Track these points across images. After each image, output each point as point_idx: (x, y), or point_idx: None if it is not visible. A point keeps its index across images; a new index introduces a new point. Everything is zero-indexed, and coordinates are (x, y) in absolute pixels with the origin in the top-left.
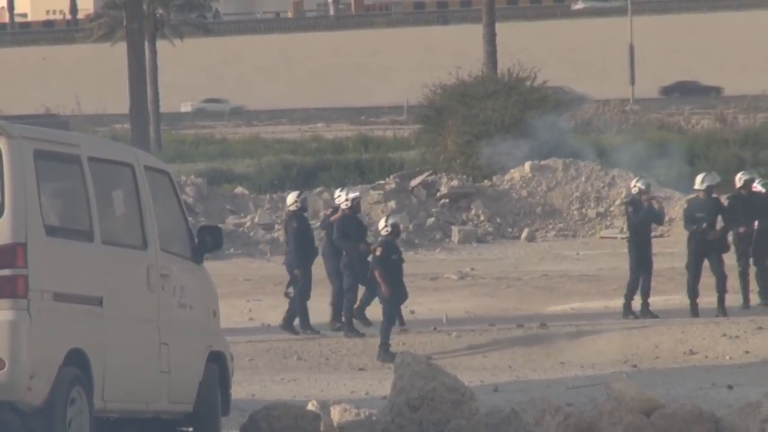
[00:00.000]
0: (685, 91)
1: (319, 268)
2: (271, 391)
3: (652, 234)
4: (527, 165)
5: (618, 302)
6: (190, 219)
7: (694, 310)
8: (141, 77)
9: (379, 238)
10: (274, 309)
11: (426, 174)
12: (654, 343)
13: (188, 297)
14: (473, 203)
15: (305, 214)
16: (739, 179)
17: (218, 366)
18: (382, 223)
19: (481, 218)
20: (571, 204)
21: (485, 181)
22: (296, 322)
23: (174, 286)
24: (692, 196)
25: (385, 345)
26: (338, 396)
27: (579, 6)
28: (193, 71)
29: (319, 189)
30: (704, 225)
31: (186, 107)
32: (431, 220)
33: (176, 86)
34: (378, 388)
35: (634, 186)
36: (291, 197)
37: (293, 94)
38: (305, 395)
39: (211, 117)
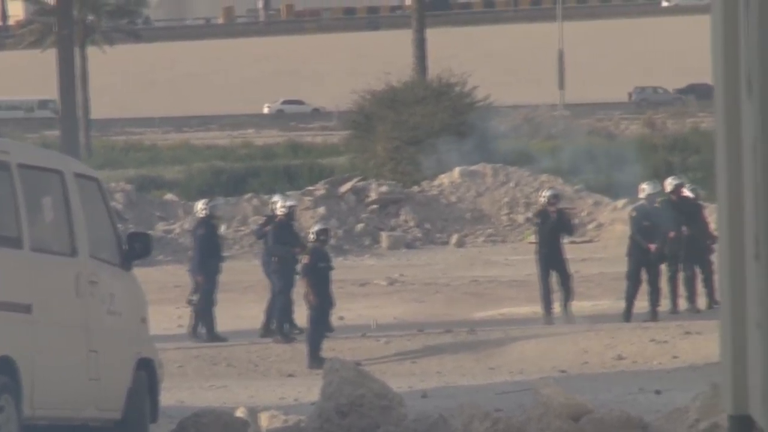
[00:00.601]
0: (700, 93)
1: (246, 274)
2: (200, 398)
3: (583, 239)
4: (456, 170)
5: None
6: (119, 225)
7: (627, 315)
8: (71, 83)
9: (308, 245)
10: None
11: (355, 180)
12: (582, 349)
13: (117, 304)
14: (402, 209)
15: (214, 222)
16: (669, 184)
17: (147, 373)
18: (313, 229)
19: (411, 224)
20: (500, 209)
21: (414, 187)
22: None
23: (103, 293)
24: (638, 204)
25: (313, 352)
26: (267, 402)
27: (666, 4)
28: (123, 78)
29: (248, 195)
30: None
31: (265, 109)
32: (360, 225)
33: (107, 93)
34: (307, 394)
35: (542, 197)
36: (200, 204)
37: (224, 99)
38: (234, 402)
39: (290, 119)
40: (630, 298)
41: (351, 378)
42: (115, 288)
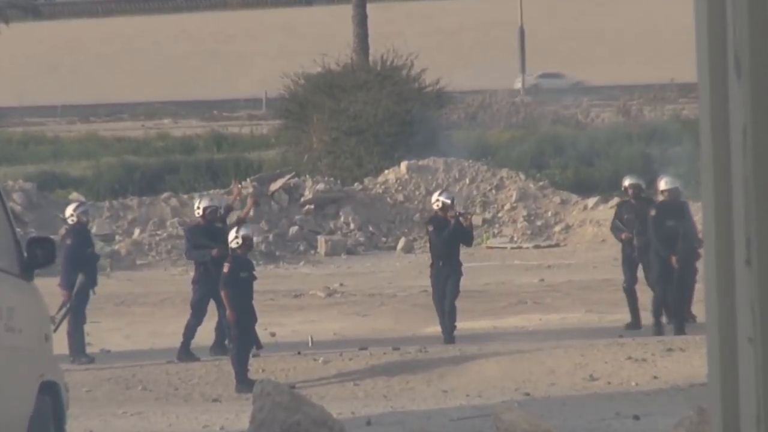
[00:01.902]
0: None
1: (163, 284)
2: (112, 427)
3: (549, 243)
4: (403, 165)
5: (508, 321)
6: (18, 230)
7: (658, 328)
8: None
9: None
10: (115, 331)
11: (288, 176)
12: (549, 368)
13: (16, 319)
14: (342, 209)
15: (89, 228)
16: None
17: (51, 398)
18: (231, 235)
19: (352, 226)
20: None
21: (356, 184)
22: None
23: (0, 306)
24: (659, 201)
25: (240, 374)
26: (189, 431)
27: None
28: (21, 60)
29: (166, 194)
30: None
31: (517, 84)
32: (294, 229)
33: (2, 78)
34: (235, 421)
35: (436, 201)
36: (68, 209)
37: (136, 85)
38: (151, 431)
39: (547, 95)
40: (657, 307)
41: (285, 403)
42: (14, 301)
